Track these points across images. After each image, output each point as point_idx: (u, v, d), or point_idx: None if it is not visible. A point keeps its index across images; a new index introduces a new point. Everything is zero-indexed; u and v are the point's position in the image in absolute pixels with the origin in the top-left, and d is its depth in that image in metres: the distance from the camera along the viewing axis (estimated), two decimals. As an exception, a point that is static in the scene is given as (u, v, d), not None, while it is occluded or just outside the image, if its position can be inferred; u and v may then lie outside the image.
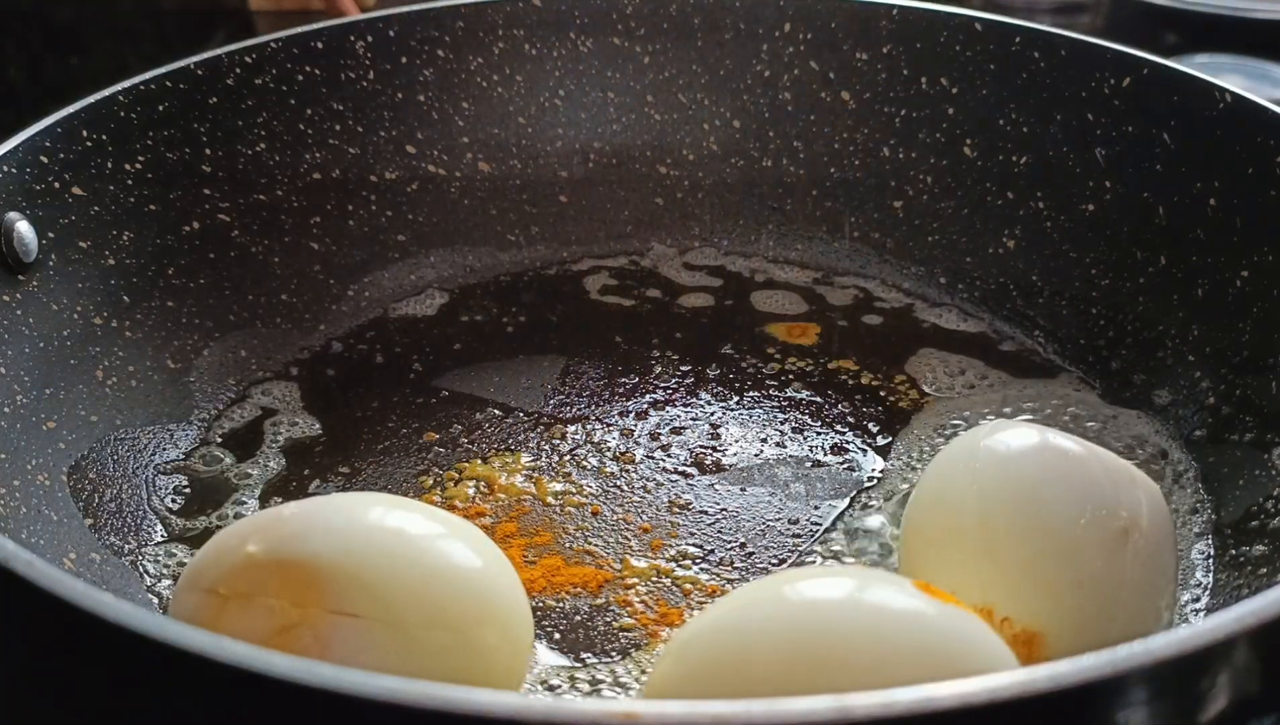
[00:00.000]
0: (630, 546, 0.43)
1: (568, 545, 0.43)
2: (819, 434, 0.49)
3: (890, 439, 0.49)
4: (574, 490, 0.46)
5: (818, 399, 0.51)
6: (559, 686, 0.38)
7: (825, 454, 0.48)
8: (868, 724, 0.22)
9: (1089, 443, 0.38)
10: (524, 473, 0.47)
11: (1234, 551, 0.41)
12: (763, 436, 0.49)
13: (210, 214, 0.53)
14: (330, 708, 0.23)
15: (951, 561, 0.37)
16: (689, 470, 0.47)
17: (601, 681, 0.38)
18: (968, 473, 0.37)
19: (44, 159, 0.46)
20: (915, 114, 0.59)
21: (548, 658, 0.39)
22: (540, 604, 0.40)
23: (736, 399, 0.51)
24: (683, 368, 0.53)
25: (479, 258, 0.60)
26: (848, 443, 0.48)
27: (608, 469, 0.47)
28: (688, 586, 0.41)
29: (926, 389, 0.51)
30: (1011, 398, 0.51)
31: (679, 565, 0.42)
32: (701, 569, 0.42)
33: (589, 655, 0.39)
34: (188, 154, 0.52)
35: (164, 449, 0.47)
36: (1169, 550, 0.37)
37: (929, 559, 0.38)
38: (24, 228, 0.44)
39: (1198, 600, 0.41)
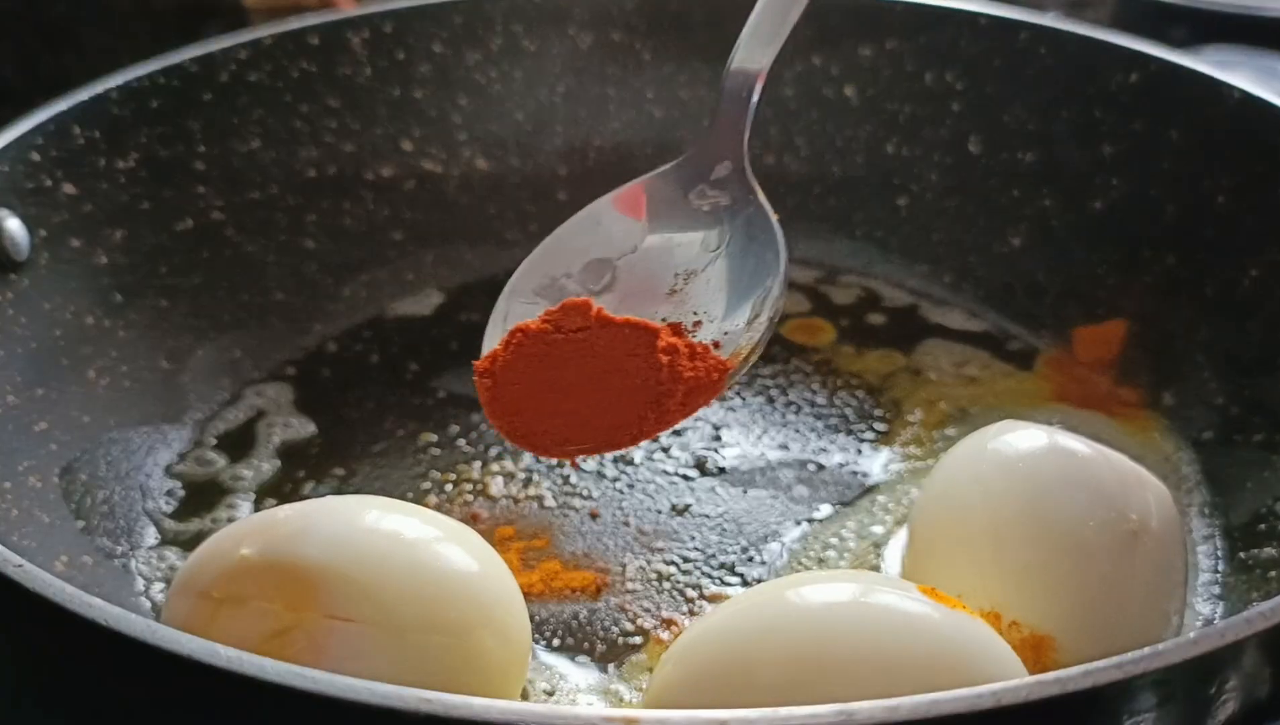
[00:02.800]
0: (630, 550, 0.43)
1: (566, 549, 0.43)
2: (822, 436, 0.48)
3: (895, 440, 0.48)
4: (573, 493, 0.45)
5: (821, 400, 0.51)
6: (557, 692, 0.37)
7: (829, 456, 0.47)
8: (872, 732, 0.22)
9: (1097, 444, 0.38)
10: (522, 475, 0.46)
11: (1243, 554, 0.41)
12: (765, 438, 0.48)
13: (204, 212, 0.52)
14: (324, 713, 0.22)
15: (958, 564, 0.36)
16: (690, 472, 0.46)
17: (601, 687, 0.37)
18: (974, 475, 0.37)
19: (36, 156, 0.45)
20: (920, 110, 0.59)
21: (546, 663, 0.38)
22: (538, 609, 0.40)
23: (738, 400, 0.51)
24: (683, 368, 0.53)
25: (477, 256, 0.60)
26: (851, 444, 0.48)
27: (607, 472, 0.46)
28: (689, 591, 0.41)
29: (932, 389, 0.51)
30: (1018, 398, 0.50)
31: (680, 569, 0.42)
32: (703, 573, 0.42)
33: (588, 661, 0.38)
34: (181, 151, 0.52)
35: (157, 450, 0.47)
36: (1178, 553, 0.36)
37: (936, 562, 0.38)
38: (15, 226, 0.44)
39: (1206, 603, 0.40)
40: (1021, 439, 0.38)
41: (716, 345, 0.38)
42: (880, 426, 0.49)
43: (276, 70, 0.55)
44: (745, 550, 0.43)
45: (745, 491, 0.45)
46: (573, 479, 0.46)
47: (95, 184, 0.48)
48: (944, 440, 0.48)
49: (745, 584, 0.41)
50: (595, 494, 0.45)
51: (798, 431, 0.49)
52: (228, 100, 0.53)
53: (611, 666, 0.38)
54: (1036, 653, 0.34)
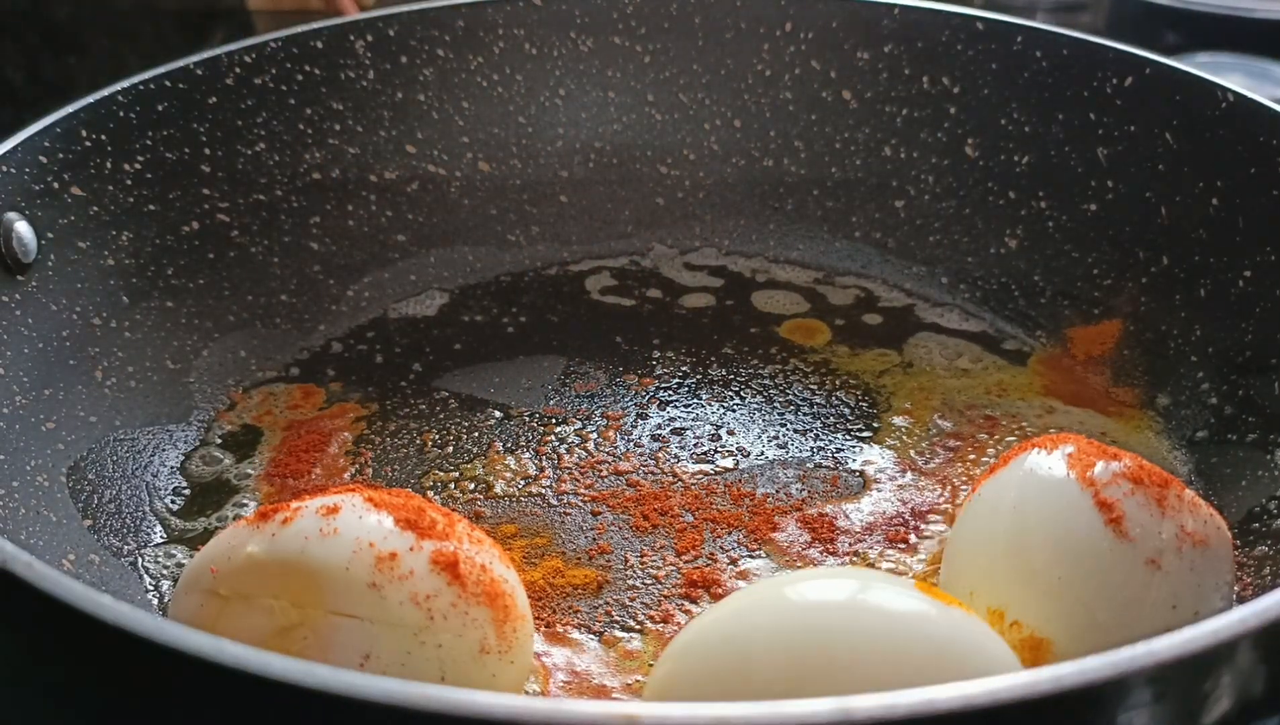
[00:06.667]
0: (630, 547, 0.43)
1: (568, 546, 0.43)
2: (821, 435, 0.49)
3: (890, 436, 0.48)
4: (574, 491, 0.46)
5: (819, 400, 0.51)
6: (559, 688, 0.37)
7: (827, 455, 0.48)
8: (869, 726, 0.22)
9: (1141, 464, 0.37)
10: (524, 474, 0.47)
11: (1236, 553, 0.41)
12: (764, 437, 0.49)
13: (209, 214, 0.53)
14: (329, 709, 0.22)
15: (979, 562, 0.36)
16: (690, 470, 0.47)
17: (601, 683, 0.38)
18: (1012, 486, 0.37)
19: (43, 159, 0.46)
20: (917, 113, 0.59)
21: (547, 659, 0.38)
22: (540, 606, 0.40)
23: (738, 400, 0.51)
24: (684, 368, 0.53)
25: (479, 258, 0.60)
26: (850, 444, 0.48)
27: (608, 470, 0.47)
28: (689, 588, 0.41)
29: (925, 387, 0.51)
30: (1009, 392, 0.51)
31: (679, 567, 0.42)
32: (703, 570, 0.42)
33: (589, 657, 0.39)
34: (187, 154, 0.52)
35: (163, 450, 0.47)
36: (1196, 595, 0.35)
37: (963, 559, 0.38)
38: (23, 228, 0.44)
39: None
40: (1056, 459, 0.37)
41: None
42: (876, 423, 0.49)
43: (281, 74, 0.55)
44: (744, 546, 0.43)
45: (745, 489, 0.46)
46: (575, 477, 0.46)
47: (102, 186, 0.48)
48: (938, 434, 0.48)
49: (744, 580, 0.42)
50: (597, 492, 0.46)
51: (796, 430, 0.49)
52: (233, 104, 0.53)
53: (612, 662, 0.38)
54: (1035, 653, 0.34)
